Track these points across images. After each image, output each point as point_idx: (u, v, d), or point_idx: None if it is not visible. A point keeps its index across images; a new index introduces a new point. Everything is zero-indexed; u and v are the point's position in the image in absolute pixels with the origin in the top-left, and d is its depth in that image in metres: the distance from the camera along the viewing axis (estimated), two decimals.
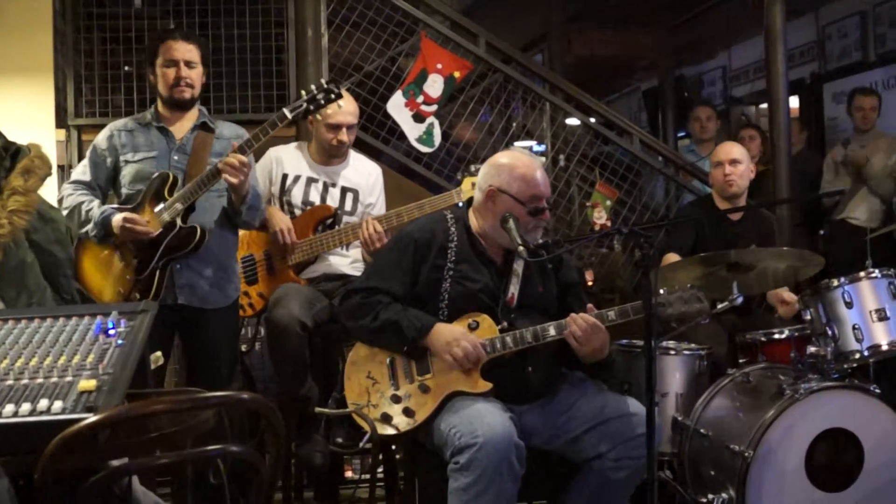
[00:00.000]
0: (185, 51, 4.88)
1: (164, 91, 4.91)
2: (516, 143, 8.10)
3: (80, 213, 4.76)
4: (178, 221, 4.69)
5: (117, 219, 4.66)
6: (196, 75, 4.92)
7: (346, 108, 5.28)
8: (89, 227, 4.72)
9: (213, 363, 4.92)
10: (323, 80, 4.94)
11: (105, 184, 4.95)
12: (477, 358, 4.02)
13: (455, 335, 4.04)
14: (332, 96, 4.82)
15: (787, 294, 5.51)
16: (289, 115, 4.75)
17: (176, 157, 4.86)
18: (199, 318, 4.86)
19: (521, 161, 4.24)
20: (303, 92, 4.86)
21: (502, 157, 4.32)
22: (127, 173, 4.86)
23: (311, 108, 4.82)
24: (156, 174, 4.78)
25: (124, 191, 4.87)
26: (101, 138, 4.96)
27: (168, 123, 4.94)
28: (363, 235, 5.15)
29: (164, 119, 4.95)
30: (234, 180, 4.61)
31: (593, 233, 7.47)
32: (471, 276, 4.17)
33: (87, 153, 5.00)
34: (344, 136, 5.35)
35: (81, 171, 4.97)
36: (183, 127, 4.95)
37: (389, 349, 4.18)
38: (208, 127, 4.97)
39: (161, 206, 4.71)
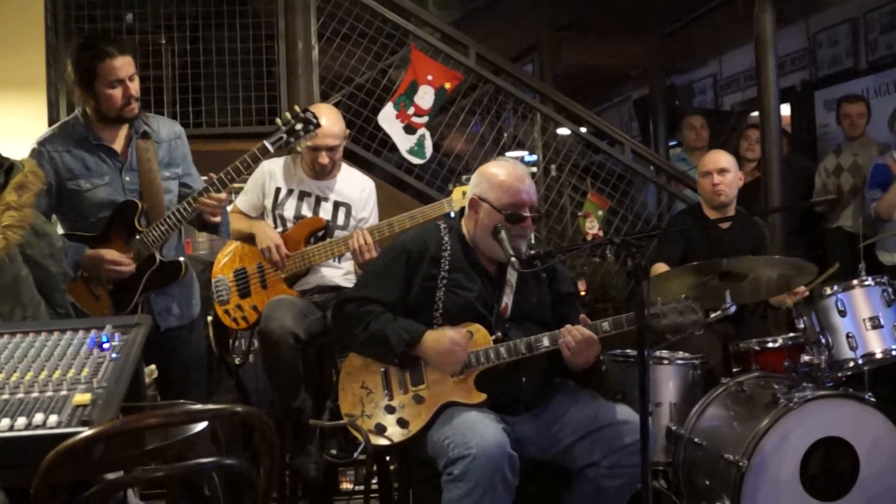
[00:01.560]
0: (127, 64, 4.52)
1: (109, 111, 4.55)
2: (507, 154, 8.13)
3: None
4: (158, 255, 4.58)
5: (94, 255, 4.47)
6: (137, 85, 4.60)
7: (326, 131, 5.16)
8: None
9: (187, 377, 4.81)
10: (297, 108, 4.83)
11: (48, 211, 4.51)
12: (465, 346, 4.05)
13: (444, 343, 4.05)
14: (311, 126, 4.75)
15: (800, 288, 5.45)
16: (270, 149, 4.66)
17: (128, 178, 4.61)
18: (176, 335, 4.76)
19: (503, 170, 4.26)
20: (278, 120, 4.75)
21: (487, 167, 4.34)
22: (82, 203, 4.59)
23: (292, 139, 4.72)
24: (113, 203, 4.56)
25: (79, 219, 4.60)
26: (39, 161, 4.35)
27: (105, 137, 4.63)
28: (353, 246, 5.14)
29: (99, 133, 4.62)
30: (215, 219, 4.58)
31: (585, 243, 7.49)
32: (465, 286, 4.18)
33: None
34: (324, 158, 5.27)
35: None
36: (120, 138, 4.66)
37: (380, 360, 4.19)
38: (146, 134, 4.69)
39: (136, 237, 4.54)
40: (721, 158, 5.96)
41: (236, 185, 4.75)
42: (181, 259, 4.68)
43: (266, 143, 4.66)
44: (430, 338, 4.08)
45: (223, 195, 4.54)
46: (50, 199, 4.53)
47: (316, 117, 4.78)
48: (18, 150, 4.16)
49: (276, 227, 5.37)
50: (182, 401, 3.97)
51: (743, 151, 8.40)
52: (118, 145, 4.66)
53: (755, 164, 8.24)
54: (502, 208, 4.15)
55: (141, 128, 4.70)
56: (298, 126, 4.72)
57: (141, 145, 4.67)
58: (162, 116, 4.95)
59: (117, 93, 4.51)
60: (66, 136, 4.64)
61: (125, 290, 4.59)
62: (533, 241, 4.49)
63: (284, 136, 4.70)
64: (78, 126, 4.65)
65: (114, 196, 4.59)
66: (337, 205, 5.44)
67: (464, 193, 5.05)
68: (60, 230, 4.64)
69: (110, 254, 4.50)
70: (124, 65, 4.52)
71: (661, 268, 5.51)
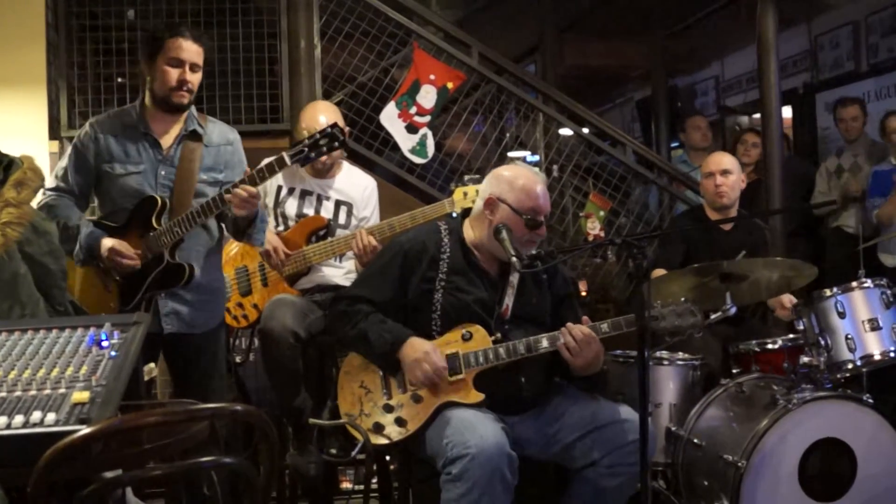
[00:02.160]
0: (194, 52, 4.58)
1: (160, 91, 4.57)
2: (509, 154, 8.13)
3: (65, 229, 4.41)
4: (167, 255, 4.53)
5: (105, 243, 4.45)
6: (198, 80, 4.64)
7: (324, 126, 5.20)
8: (74, 247, 4.48)
9: (204, 383, 4.76)
10: (329, 126, 4.59)
11: (87, 190, 4.69)
12: (438, 380, 4.04)
13: (418, 355, 4.04)
14: (336, 144, 4.58)
15: (787, 298, 5.50)
16: (288, 162, 4.51)
17: (163, 172, 4.60)
18: (187, 341, 4.70)
19: (523, 174, 4.26)
20: (305, 131, 4.70)
21: (506, 170, 4.33)
22: (112, 187, 4.61)
23: (313, 154, 4.56)
24: (141, 195, 4.55)
25: (108, 204, 4.66)
26: (83, 139, 4.64)
27: (155, 128, 4.64)
28: (356, 247, 5.13)
29: (150, 122, 4.64)
30: (242, 212, 4.47)
31: (587, 243, 7.49)
32: (464, 288, 4.18)
33: (68, 154, 4.71)
34: (322, 157, 5.29)
35: (61, 175, 4.67)
36: (170, 134, 4.66)
37: (368, 359, 4.19)
38: (196, 134, 4.70)
39: (150, 234, 4.50)
40: (724, 160, 5.97)
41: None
42: (188, 263, 4.58)
43: (285, 155, 4.52)
44: (409, 345, 4.08)
45: (254, 189, 4.44)
46: (87, 178, 4.63)
47: (343, 134, 4.62)
48: (18, 146, 4.15)
49: (277, 225, 5.37)
50: (182, 400, 3.98)
51: (739, 156, 8.40)
52: (166, 139, 4.66)
53: (752, 167, 8.24)
54: (523, 212, 4.16)
55: (192, 126, 4.70)
56: (323, 142, 4.55)
57: (188, 144, 4.67)
58: (221, 122, 4.92)
59: (175, 72, 4.54)
60: (117, 121, 4.69)
61: (133, 285, 4.56)
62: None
63: (307, 149, 4.55)
64: (132, 113, 4.69)
65: (144, 187, 4.59)
66: (338, 203, 5.44)
67: (465, 194, 5.06)
68: (92, 216, 4.70)
69: (117, 244, 4.47)
70: (191, 50, 4.57)
71: (658, 273, 5.51)
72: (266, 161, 4.53)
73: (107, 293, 4.58)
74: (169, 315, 4.63)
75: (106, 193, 4.67)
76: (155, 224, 4.52)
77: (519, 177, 4.24)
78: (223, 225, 4.80)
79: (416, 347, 4.06)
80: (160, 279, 4.56)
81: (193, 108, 4.73)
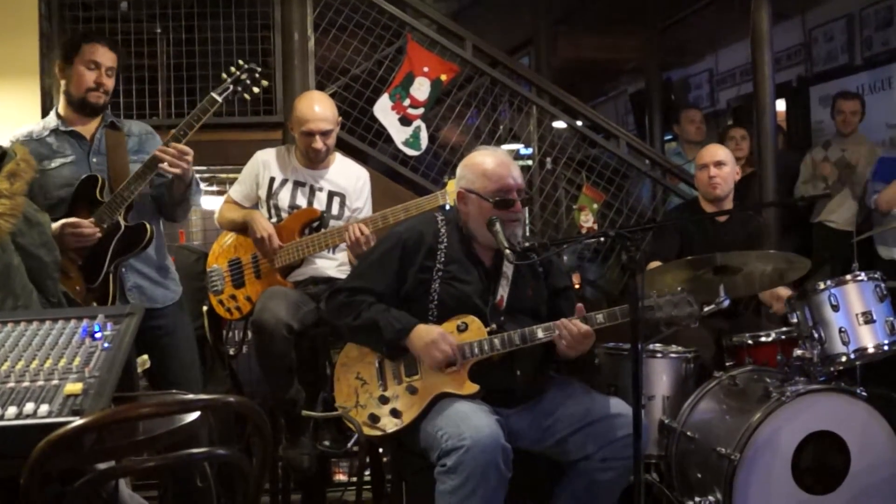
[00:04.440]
0: (110, 58, 4.72)
1: (76, 92, 4.71)
2: (503, 147, 8.12)
3: None
4: (121, 220, 4.58)
5: (55, 227, 4.39)
6: (111, 85, 4.77)
7: (319, 115, 5.27)
8: None
9: (178, 366, 4.85)
10: (242, 61, 4.88)
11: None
12: (454, 361, 4.04)
13: (433, 336, 4.05)
14: (256, 76, 4.81)
15: (783, 290, 5.50)
16: (218, 99, 4.68)
17: (95, 160, 4.70)
18: (153, 317, 4.73)
19: (483, 158, 4.28)
20: (224, 75, 4.80)
21: (469, 158, 4.36)
22: (46, 182, 4.60)
23: (239, 88, 4.77)
24: (80, 177, 4.62)
25: (45, 201, 4.58)
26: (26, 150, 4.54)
27: (75, 127, 4.76)
28: (349, 238, 5.13)
29: (70, 123, 4.76)
30: (176, 170, 4.53)
31: (580, 236, 7.48)
32: (460, 278, 4.18)
33: None
34: (318, 143, 5.29)
35: None
36: (91, 129, 4.77)
37: (372, 349, 4.19)
38: (116, 126, 4.81)
39: (99, 208, 4.56)
40: (718, 152, 5.98)
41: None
42: (146, 223, 4.65)
43: (213, 94, 4.70)
44: (421, 331, 4.08)
45: (184, 146, 4.53)
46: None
47: (259, 66, 4.85)
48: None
49: (270, 217, 5.36)
50: (174, 391, 3.97)
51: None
52: (87, 131, 4.76)
53: (743, 161, 8.24)
54: (490, 196, 4.16)
55: (110, 119, 4.82)
56: (244, 76, 4.77)
57: (110, 133, 4.78)
58: (137, 121, 5.07)
59: (91, 74, 4.69)
60: (39, 129, 4.78)
61: (95, 262, 4.59)
62: (528, 234, 4.48)
63: (231, 85, 4.75)
64: (51, 121, 4.79)
65: (79, 174, 4.65)
66: (331, 194, 5.44)
67: None
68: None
69: (69, 220, 4.50)
70: (106, 54, 4.71)
71: (655, 266, 5.51)
72: (199, 105, 4.67)
73: (68, 280, 4.52)
74: (132, 290, 4.74)
75: (42, 191, 4.61)
76: (100, 197, 4.59)
77: (478, 163, 4.26)
78: (162, 208, 4.86)
79: (427, 332, 4.07)
80: (122, 245, 4.62)
81: (108, 110, 4.85)
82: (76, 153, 4.71)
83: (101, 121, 4.79)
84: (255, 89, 4.97)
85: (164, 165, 4.52)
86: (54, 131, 4.75)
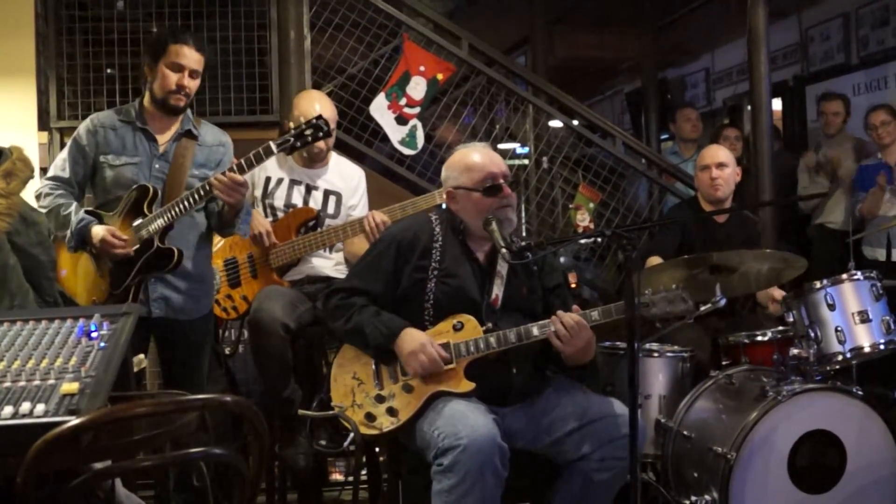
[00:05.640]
0: (195, 60, 4.75)
1: (159, 92, 4.75)
2: (499, 146, 8.12)
3: (59, 216, 4.65)
4: (156, 240, 4.62)
5: (96, 231, 4.57)
6: (195, 86, 4.80)
7: (321, 113, 5.23)
8: (66, 233, 4.64)
9: (185, 371, 4.89)
10: (314, 118, 4.68)
11: (83, 181, 4.84)
12: (438, 368, 4.04)
13: (414, 346, 4.04)
14: (321, 134, 4.66)
15: (777, 291, 5.51)
16: (274, 150, 4.60)
17: (157, 166, 4.76)
18: (174, 327, 4.82)
19: (462, 154, 4.34)
20: (290, 124, 4.73)
21: (450, 159, 4.39)
22: (107, 177, 4.74)
23: (298, 144, 4.65)
24: (135, 185, 4.67)
25: (102, 195, 4.79)
26: (82, 132, 4.81)
27: (152, 126, 4.81)
28: (367, 226, 5.15)
29: (149, 120, 4.81)
30: (229, 199, 4.55)
31: (577, 235, 7.49)
32: (456, 277, 4.18)
33: (68, 146, 4.86)
34: (321, 142, 5.30)
35: (61, 166, 4.83)
36: (167, 132, 4.82)
37: (363, 352, 4.19)
38: (191, 134, 4.85)
39: (139, 220, 4.62)
40: (720, 153, 5.99)
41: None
42: (177, 248, 4.66)
43: (272, 143, 4.60)
44: (406, 337, 4.08)
45: (239, 177, 4.53)
46: (85, 170, 4.80)
47: (328, 125, 4.69)
48: (7, 137, 4.15)
49: (266, 216, 5.37)
50: (172, 391, 3.97)
51: None
52: (162, 136, 4.83)
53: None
54: (477, 185, 4.18)
55: (188, 126, 4.85)
56: (308, 132, 4.63)
57: (183, 142, 4.83)
58: (215, 126, 5.07)
59: (174, 76, 4.72)
60: (117, 116, 4.86)
61: (123, 271, 4.65)
62: (524, 234, 4.48)
63: (292, 139, 4.63)
64: (131, 110, 4.85)
65: (139, 177, 4.73)
66: (327, 193, 5.44)
67: None
68: (88, 206, 4.82)
69: (106, 232, 4.57)
70: (192, 55, 4.74)
71: (654, 261, 5.52)
72: (254, 152, 4.60)
73: (100, 278, 4.68)
74: (158, 300, 4.76)
75: (101, 184, 4.79)
76: (146, 210, 4.63)
77: (458, 160, 4.31)
78: (209, 222, 4.89)
79: (412, 338, 4.06)
80: (149, 263, 4.65)
81: (189, 111, 4.89)
82: (144, 155, 4.77)
83: (180, 125, 4.84)
84: (317, 146, 5.15)
85: (218, 193, 4.54)
86: (130, 124, 4.81)
